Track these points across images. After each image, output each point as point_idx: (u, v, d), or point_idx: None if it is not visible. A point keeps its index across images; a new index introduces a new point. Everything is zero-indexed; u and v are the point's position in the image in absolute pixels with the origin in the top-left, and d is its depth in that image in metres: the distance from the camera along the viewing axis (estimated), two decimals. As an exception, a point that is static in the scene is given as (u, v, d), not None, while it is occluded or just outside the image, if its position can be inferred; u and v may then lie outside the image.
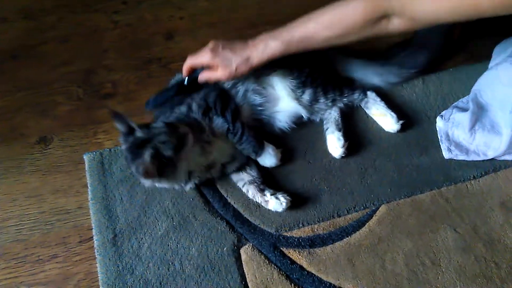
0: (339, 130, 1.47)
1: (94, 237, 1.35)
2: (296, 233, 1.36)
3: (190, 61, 1.38)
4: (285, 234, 1.35)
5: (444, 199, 1.40)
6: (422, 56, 1.62)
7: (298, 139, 1.52)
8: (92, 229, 1.37)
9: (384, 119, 1.52)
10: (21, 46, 1.82)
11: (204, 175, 1.38)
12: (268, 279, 1.27)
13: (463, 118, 1.46)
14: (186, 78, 1.42)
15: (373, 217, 1.38)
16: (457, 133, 1.47)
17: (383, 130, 1.53)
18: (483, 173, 1.46)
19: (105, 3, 1.96)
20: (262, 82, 1.45)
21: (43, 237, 1.37)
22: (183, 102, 1.39)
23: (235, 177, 1.44)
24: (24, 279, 1.31)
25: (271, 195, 1.36)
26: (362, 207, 1.40)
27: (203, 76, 1.38)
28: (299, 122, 1.51)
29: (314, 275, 1.28)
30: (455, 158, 1.47)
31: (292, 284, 1.26)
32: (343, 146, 1.45)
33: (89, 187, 1.44)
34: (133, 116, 1.28)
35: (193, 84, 1.41)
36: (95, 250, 1.33)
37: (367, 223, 1.37)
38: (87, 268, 1.32)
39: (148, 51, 1.80)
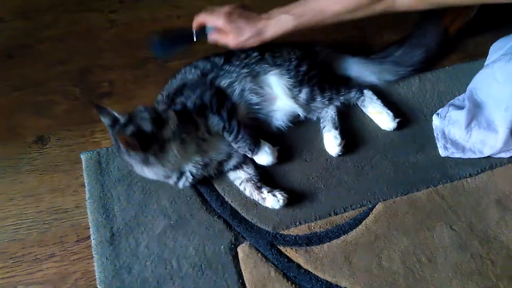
0: (336, 129, 1.47)
1: (91, 236, 1.35)
2: (293, 231, 1.36)
3: (203, 18, 1.38)
4: (282, 232, 1.36)
5: (440, 196, 1.41)
6: (418, 54, 1.62)
7: (295, 138, 1.52)
8: (89, 228, 1.37)
9: (381, 117, 1.52)
10: (17, 45, 1.82)
11: (200, 173, 1.38)
12: (265, 277, 1.27)
13: (459, 116, 1.47)
14: (195, 32, 1.43)
15: (370, 215, 1.38)
16: (453, 131, 1.48)
17: (380, 128, 1.53)
18: (479, 170, 1.46)
19: (102, 2, 1.95)
20: (258, 81, 1.45)
21: (40, 236, 1.37)
22: (175, 101, 1.39)
23: (232, 175, 1.44)
24: (21, 278, 1.31)
25: (268, 192, 1.37)
26: (358, 205, 1.40)
27: (212, 38, 1.41)
28: (296, 121, 1.51)
29: (311, 273, 1.29)
30: (451, 156, 1.48)
31: (289, 282, 1.27)
32: (340, 145, 1.45)
33: (86, 186, 1.44)
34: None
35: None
36: (93, 249, 1.33)
37: (364, 221, 1.37)
38: (84, 267, 1.32)
39: (145, 50, 1.79)
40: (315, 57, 1.53)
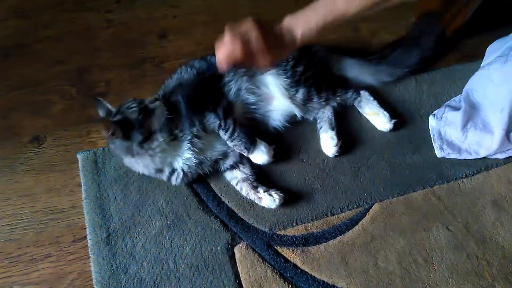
0: (333, 129, 1.48)
1: (87, 236, 1.35)
2: (289, 231, 1.36)
3: (231, 54, 1.16)
4: (278, 232, 1.36)
5: (437, 197, 1.42)
6: (415, 56, 1.62)
7: (292, 138, 1.52)
8: (85, 228, 1.37)
9: (377, 118, 1.53)
10: (14, 44, 1.81)
11: (194, 170, 1.38)
12: (262, 278, 1.27)
13: (456, 117, 1.47)
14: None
15: (366, 216, 1.38)
16: (450, 132, 1.48)
17: (376, 129, 1.54)
18: (475, 171, 1.47)
19: (99, 1, 1.95)
20: (255, 81, 1.46)
21: (36, 236, 1.37)
22: (171, 100, 1.39)
23: (228, 175, 1.44)
24: (17, 278, 1.30)
25: (264, 192, 1.37)
26: (355, 206, 1.41)
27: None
28: (293, 121, 1.51)
29: (308, 273, 1.29)
30: (447, 157, 1.48)
31: (286, 283, 1.27)
32: (337, 145, 1.45)
33: (82, 186, 1.44)
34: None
35: None
36: (89, 249, 1.33)
37: (360, 222, 1.37)
38: (80, 267, 1.32)
39: (142, 50, 1.80)
40: (312, 58, 1.53)
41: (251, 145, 1.40)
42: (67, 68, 1.74)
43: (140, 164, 1.35)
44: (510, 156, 1.48)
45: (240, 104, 1.44)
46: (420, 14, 1.74)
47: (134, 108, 1.27)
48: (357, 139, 1.53)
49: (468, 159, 1.48)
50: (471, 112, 1.47)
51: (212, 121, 1.37)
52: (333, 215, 1.39)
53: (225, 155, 1.42)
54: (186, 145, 1.33)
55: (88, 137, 1.56)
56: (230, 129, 1.36)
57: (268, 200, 1.36)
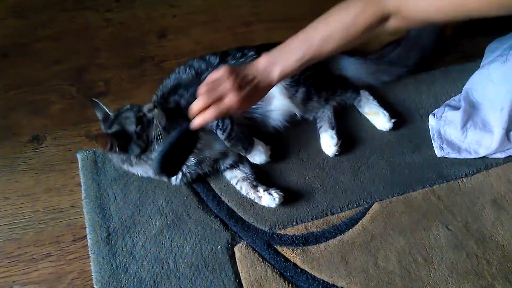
0: (332, 129, 1.48)
1: (87, 236, 1.35)
2: (289, 231, 1.36)
3: (219, 113, 1.16)
4: (278, 232, 1.36)
5: (436, 196, 1.42)
6: (414, 55, 1.63)
7: (292, 138, 1.52)
8: (85, 227, 1.37)
9: (377, 117, 1.53)
10: (13, 44, 1.81)
11: (194, 170, 1.39)
12: (262, 277, 1.27)
13: (455, 117, 1.48)
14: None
15: (366, 215, 1.38)
16: (449, 131, 1.49)
17: (376, 128, 1.54)
18: (474, 171, 1.47)
19: (98, 0, 1.95)
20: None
21: (36, 236, 1.37)
22: (169, 100, 1.39)
23: (228, 174, 1.44)
24: (17, 278, 1.30)
25: (264, 191, 1.37)
26: (355, 205, 1.41)
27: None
28: (292, 121, 1.51)
29: (308, 272, 1.29)
30: (447, 156, 1.48)
31: (286, 282, 1.27)
32: (336, 145, 1.46)
33: (82, 185, 1.43)
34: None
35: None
36: (89, 249, 1.33)
37: (360, 221, 1.37)
38: (80, 267, 1.32)
39: (141, 49, 1.80)
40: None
41: (248, 145, 1.40)
42: (66, 68, 1.74)
43: (140, 171, 1.35)
44: (509, 156, 1.49)
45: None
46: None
47: (131, 119, 1.25)
48: (357, 139, 1.53)
49: (468, 159, 1.48)
50: (471, 112, 1.47)
51: None
52: (333, 214, 1.39)
53: (224, 155, 1.42)
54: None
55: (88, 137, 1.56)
56: (228, 129, 1.36)
57: (268, 199, 1.36)
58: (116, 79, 1.71)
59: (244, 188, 1.40)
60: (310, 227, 1.37)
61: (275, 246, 1.34)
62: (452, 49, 1.75)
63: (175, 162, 1.24)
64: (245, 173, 1.42)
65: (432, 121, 1.54)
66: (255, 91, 1.17)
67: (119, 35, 1.85)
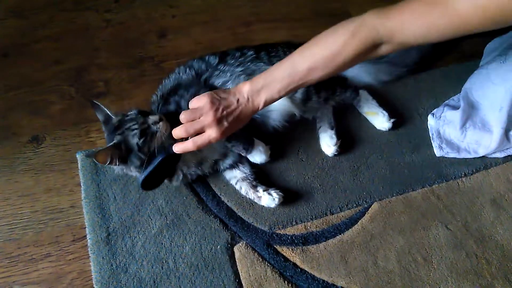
0: (332, 129, 1.48)
1: (87, 236, 1.35)
2: (289, 230, 1.36)
3: (196, 147, 1.18)
4: (278, 232, 1.36)
5: (436, 196, 1.42)
6: (413, 55, 1.63)
7: (291, 138, 1.52)
8: (85, 228, 1.37)
9: (376, 117, 1.53)
10: (12, 44, 1.81)
11: (194, 171, 1.38)
12: (262, 277, 1.28)
13: (454, 116, 1.48)
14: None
15: (366, 215, 1.39)
16: (448, 131, 1.49)
17: (375, 128, 1.54)
18: (474, 170, 1.47)
19: (97, 1, 1.95)
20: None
21: (36, 236, 1.37)
22: (169, 101, 1.39)
23: (228, 174, 1.44)
24: (17, 278, 1.30)
25: (264, 191, 1.37)
26: (354, 205, 1.41)
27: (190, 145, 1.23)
28: (292, 121, 1.51)
29: (308, 272, 1.29)
30: (446, 156, 1.49)
31: (286, 282, 1.27)
32: (336, 144, 1.46)
33: (82, 185, 1.43)
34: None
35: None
36: (89, 249, 1.33)
37: (360, 221, 1.38)
38: (80, 267, 1.32)
39: (141, 50, 1.80)
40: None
41: (249, 145, 1.40)
42: (66, 68, 1.74)
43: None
44: (509, 155, 1.49)
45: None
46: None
47: (135, 131, 1.22)
48: (356, 139, 1.53)
49: (467, 158, 1.48)
50: (470, 111, 1.47)
51: None
52: (333, 214, 1.39)
53: (224, 155, 1.42)
54: None
55: (87, 137, 1.56)
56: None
57: (268, 199, 1.36)
58: (116, 79, 1.71)
59: (244, 188, 1.40)
60: (310, 227, 1.37)
61: (275, 246, 1.34)
62: (452, 48, 1.76)
63: (156, 180, 1.29)
64: (245, 173, 1.42)
65: (431, 121, 1.54)
66: (237, 119, 1.19)
67: (119, 35, 1.85)
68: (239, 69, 1.43)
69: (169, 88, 1.45)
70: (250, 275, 1.28)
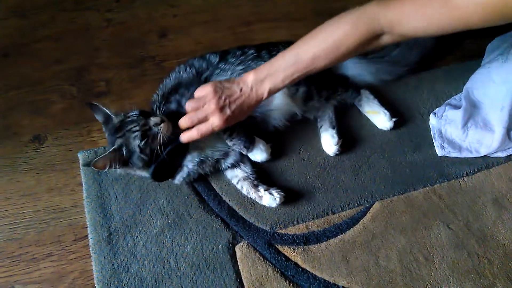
0: (333, 128, 1.48)
1: (89, 236, 1.35)
2: (290, 230, 1.36)
3: (200, 135, 1.21)
4: (279, 231, 1.36)
5: (437, 195, 1.42)
6: (415, 54, 1.62)
7: (292, 137, 1.52)
8: (87, 227, 1.37)
9: (378, 116, 1.53)
10: (13, 44, 1.81)
11: (196, 170, 1.38)
12: (263, 276, 1.28)
13: (456, 116, 1.48)
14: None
15: (367, 214, 1.39)
16: (450, 130, 1.49)
17: (377, 127, 1.54)
18: (475, 170, 1.47)
19: (98, 1, 1.95)
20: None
21: (37, 235, 1.37)
22: (170, 100, 1.39)
23: (229, 173, 1.44)
24: (19, 277, 1.31)
25: (265, 190, 1.37)
26: (356, 204, 1.41)
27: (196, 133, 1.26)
28: (293, 120, 1.51)
29: (309, 272, 1.29)
30: (448, 155, 1.48)
31: (287, 281, 1.27)
32: (337, 144, 1.45)
33: (83, 185, 1.44)
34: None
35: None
36: (90, 249, 1.33)
37: (361, 220, 1.38)
38: (82, 267, 1.32)
39: (142, 49, 1.80)
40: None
41: (250, 144, 1.40)
42: (67, 68, 1.74)
43: (143, 173, 1.34)
44: (510, 154, 1.49)
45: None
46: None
47: (136, 133, 1.22)
48: (357, 138, 1.53)
49: (469, 158, 1.48)
50: (472, 111, 1.47)
51: None
52: (334, 213, 1.39)
53: (226, 154, 1.42)
54: (187, 146, 1.33)
55: (89, 136, 1.56)
56: (229, 129, 1.36)
57: (269, 198, 1.36)
58: (116, 79, 1.71)
59: (245, 188, 1.40)
60: (311, 227, 1.37)
61: (276, 246, 1.34)
62: (453, 48, 1.75)
63: (168, 171, 1.32)
64: (246, 172, 1.42)
65: (433, 120, 1.53)
66: (240, 108, 1.20)
67: (120, 35, 1.85)
68: (240, 67, 1.43)
69: (170, 87, 1.45)
70: (251, 275, 1.28)
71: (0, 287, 1.29)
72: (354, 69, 1.60)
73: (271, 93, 1.20)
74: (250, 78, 1.19)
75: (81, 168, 1.46)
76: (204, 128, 1.20)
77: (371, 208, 1.40)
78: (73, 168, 1.48)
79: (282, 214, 1.39)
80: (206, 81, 1.42)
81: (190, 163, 1.35)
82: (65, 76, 1.72)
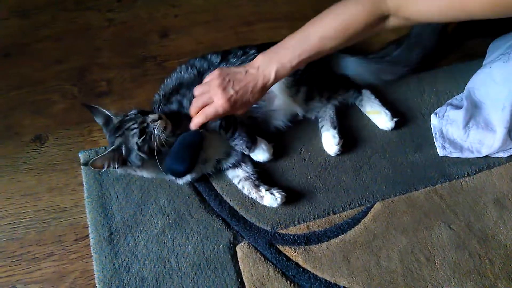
0: (334, 128, 1.48)
1: (90, 235, 1.35)
2: (291, 230, 1.36)
3: (206, 118, 1.21)
4: (280, 231, 1.36)
5: (439, 196, 1.42)
6: (416, 54, 1.62)
7: (294, 137, 1.52)
8: (88, 227, 1.37)
9: (379, 116, 1.53)
10: (14, 44, 1.81)
11: (198, 171, 1.38)
12: (264, 276, 1.28)
13: (457, 116, 1.47)
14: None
15: (368, 214, 1.38)
16: (451, 131, 1.48)
17: (378, 127, 1.54)
18: (477, 170, 1.47)
19: (99, 0, 1.95)
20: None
21: (39, 235, 1.37)
22: (171, 100, 1.39)
23: (230, 173, 1.44)
24: (20, 277, 1.31)
25: (266, 190, 1.37)
26: (357, 204, 1.41)
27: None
28: (294, 120, 1.51)
29: (310, 272, 1.29)
30: (449, 155, 1.48)
31: (288, 281, 1.27)
32: (338, 144, 1.45)
33: (84, 185, 1.44)
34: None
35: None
36: (91, 248, 1.33)
37: (362, 220, 1.37)
38: (83, 266, 1.32)
39: (143, 49, 1.80)
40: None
41: (251, 143, 1.40)
42: (68, 68, 1.74)
43: (144, 173, 1.35)
44: (512, 155, 1.49)
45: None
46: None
47: (135, 130, 1.22)
48: (358, 138, 1.53)
49: (470, 158, 1.48)
50: (473, 111, 1.47)
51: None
52: (335, 213, 1.39)
53: (227, 154, 1.42)
54: None
55: (90, 136, 1.56)
56: (231, 129, 1.36)
57: (270, 199, 1.36)
58: (118, 79, 1.71)
59: (246, 188, 1.40)
60: (312, 227, 1.37)
61: (277, 246, 1.34)
62: (455, 47, 1.75)
63: (186, 161, 1.26)
64: (247, 172, 1.42)
65: (434, 120, 1.53)
66: (245, 89, 1.18)
67: (121, 35, 1.85)
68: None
69: (171, 88, 1.45)
70: (252, 275, 1.28)
71: (1, 287, 1.29)
72: (355, 69, 1.60)
73: (279, 74, 1.18)
74: (258, 59, 1.19)
75: (82, 167, 1.46)
76: (208, 110, 1.19)
77: (372, 208, 1.40)
78: (74, 168, 1.48)
79: (283, 214, 1.39)
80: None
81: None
82: (66, 76, 1.72)
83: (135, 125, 1.23)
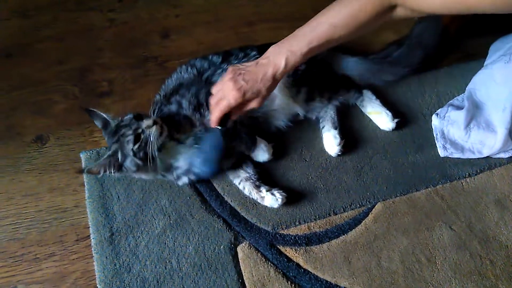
0: (335, 128, 1.48)
1: (91, 236, 1.35)
2: (292, 231, 1.36)
3: (220, 111, 1.22)
4: (281, 232, 1.36)
5: (440, 196, 1.41)
6: (417, 55, 1.62)
7: (294, 137, 1.52)
8: (89, 227, 1.37)
9: (380, 117, 1.53)
10: (16, 44, 1.82)
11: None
12: (265, 277, 1.28)
13: (458, 116, 1.47)
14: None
15: (369, 215, 1.38)
16: (453, 131, 1.48)
17: (379, 128, 1.54)
18: (478, 171, 1.47)
19: (101, 1, 1.95)
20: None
21: (40, 235, 1.37)
22: (171, 101, 1.39)
23: (231, 174, 1.44)
24: (21, 277, 1.31)
25: (267, 191, 1.37)
26: (358, 205, 1.41)
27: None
28: (295, 120, 1.51)
29: (311, 272, 1.29)
30: (450, 156, 1.48)
31: (289, 282, 1.27)
32: (339, 144, 1.45)
33: (86, 185, 1.44)
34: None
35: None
36: (92, 249, 1.33)
37: (363, 221, 1.37)
38: (84, 267, 1.32)
39: (144, 50, 1.80)
40: (314, 57, 1.53)
41: (252, 144, 1.40)
42: (69, 68, 1.74)
43: (142, 175, 1.35)
44: (513, 155, 1.49)
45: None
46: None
47: (129, 137, 1.22)
48: (359, 138, 1.53)
49: (471, 159, 1.48)
50: (474, 111, 1.47)
51: None
52: (336, 214, 1.39)
53: (228, 155, 1.41)
54: (189, 144, 1.33)
55: (91, 137, 1.56)
56: (231, 129, 1.36)
57: (271, 199, 1.36)
58: (119, 79, 1.71)
59: (247, 188, 1.40)
60: (313, 227, 1.37)
61: (278, 246, 1.34)
62: (456, 48, 1.75)
63: (215, 163, 1.33)
64: (248, 173, 1.42)
65: (435, 121, 1.53)
66: (255, 78, 1.19)
67: (122, 35, 1.85)
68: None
69: (172, 88, 1.45)
70: (253, 275, 1.28)
71: (3, 287, 1.30)
72: (356, 70, 1.60)
73: (289, 62, 1.18)
74: (269, 50, 1.21)
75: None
76: (221, 103, 1.21)
77: (373, 209, 1.40)
78: (75, 168, 1.48)
79: (284, 214, 1.39)
80: (207, 80, 1.42)
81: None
82: (67, 76, 1.72)
83: (130, 131, 1.23)
